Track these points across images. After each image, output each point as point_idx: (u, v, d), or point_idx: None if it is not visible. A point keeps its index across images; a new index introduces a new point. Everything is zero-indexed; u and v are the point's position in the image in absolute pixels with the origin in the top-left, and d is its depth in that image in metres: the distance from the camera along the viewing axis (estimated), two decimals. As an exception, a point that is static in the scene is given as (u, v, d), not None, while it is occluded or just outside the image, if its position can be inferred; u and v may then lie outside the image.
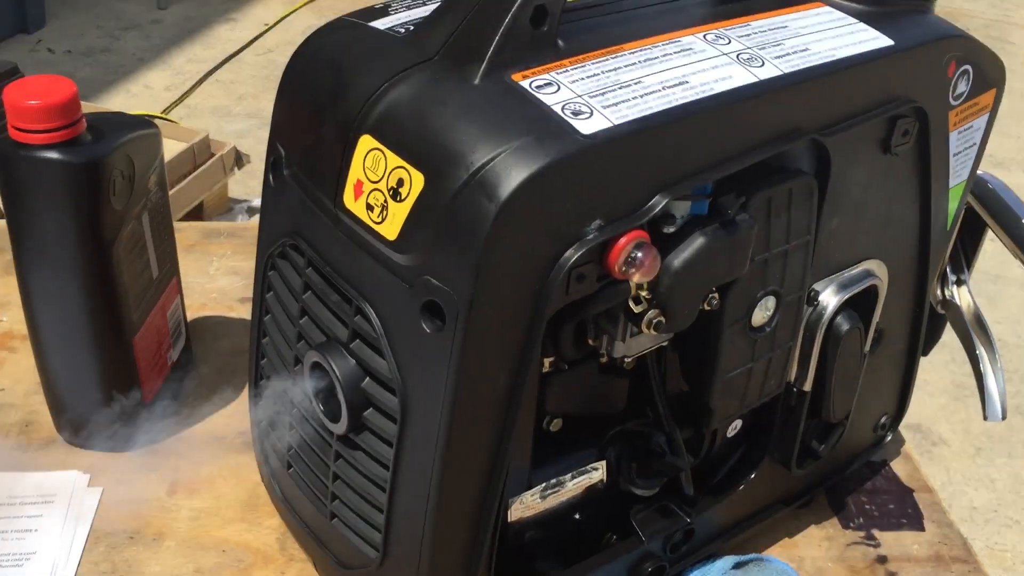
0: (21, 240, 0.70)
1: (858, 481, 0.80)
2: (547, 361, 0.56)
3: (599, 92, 0.50)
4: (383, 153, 0.50)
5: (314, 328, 0.57)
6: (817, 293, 0.63)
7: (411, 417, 0.52)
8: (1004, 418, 0.79)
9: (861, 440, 0.77)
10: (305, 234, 0.56)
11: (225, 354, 0.89)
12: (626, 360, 0.58)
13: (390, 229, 0.50)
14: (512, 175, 0.46)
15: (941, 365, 2.15)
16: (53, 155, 0.67)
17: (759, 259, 0.57)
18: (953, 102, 0.64)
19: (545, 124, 0.48)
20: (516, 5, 0.50)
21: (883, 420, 0.77)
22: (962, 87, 0.64)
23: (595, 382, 0.60)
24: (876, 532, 0.76)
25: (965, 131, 0.67)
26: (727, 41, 0.56)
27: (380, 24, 0.56)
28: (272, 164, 0.58)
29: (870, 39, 0.58)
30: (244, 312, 0.93)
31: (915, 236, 0.68)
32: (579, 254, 0.49)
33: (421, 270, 0.49)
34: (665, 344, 0.59)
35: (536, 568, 0.61)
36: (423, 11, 0.56)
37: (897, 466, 0.82)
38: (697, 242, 0.53)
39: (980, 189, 0.76)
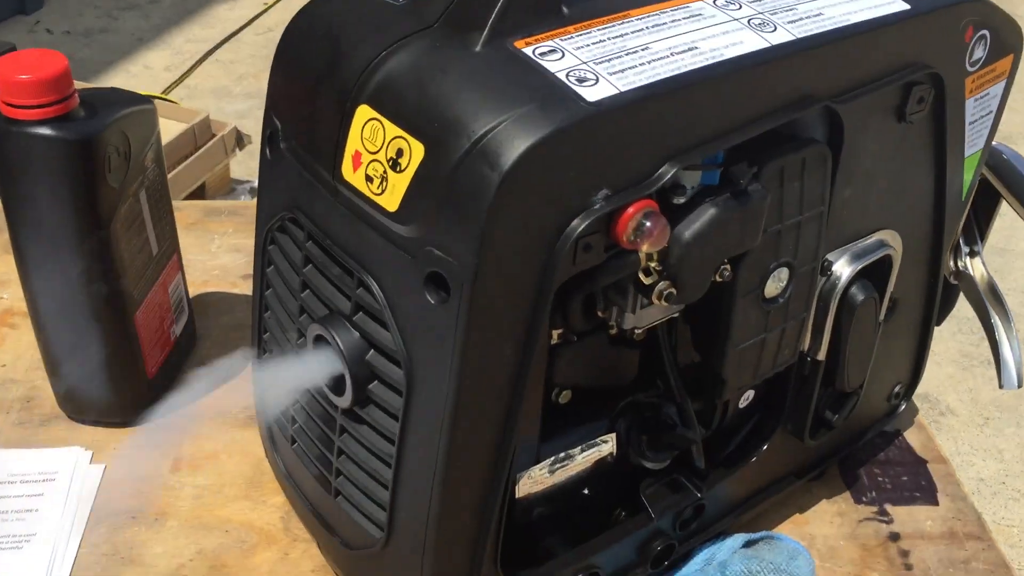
0: (16, 218, 0.69)
1: (871, 452, 0.79)
2: (555, 333, 0.55)
3: (605, 59, 0.49)
4: (381, 123, 0.48)
5: (316, 301, 0.56)
6: (831, 263, 0.62)
7: (417, 390, 0.51)
8: (1021, 386, 0.78)
9: (874, 410, 0.76)
10: (304, 207, 0.55)
11: (228, 329, 0.88)
12: (636, 332, 0.57)
13: (390, 200, 0.48)
14: (515, 143, 0.45)
15: (948, 335, 2.14)
16: (45, 131, 0.65)
17: (772, 230, 0.56)
18: (970, 68, 0.62)
19: (549, 91, 0.46)
20: (519, -32, 0.48)
21: (897, 389, 0.76)
22: (979, 53, 0.62)
23: (605, 354, 0.59)
24: (889, 507, 0.75)
25: (981, 98, 0.65)
26: (738, 6, 0.54)
27: (378, -10, 0.54)
28: (268, 137, 0.57)
29: (885, 3, 0.57)
30: (246, 288, 0.92)
31: (930, 206, 0.67)
32: (586, 224, 0.47)
33: (423, 241, 0.48)
34: (676, 315, 0.58)
35: (544, 546, 0.60)
36: (423, -23, 0.55)
37: (911, 436, 0.81)
38: (708, 213, 0.52)
39: (995, 160, 0.75)
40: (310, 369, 0.55)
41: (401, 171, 0.48)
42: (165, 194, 0.78)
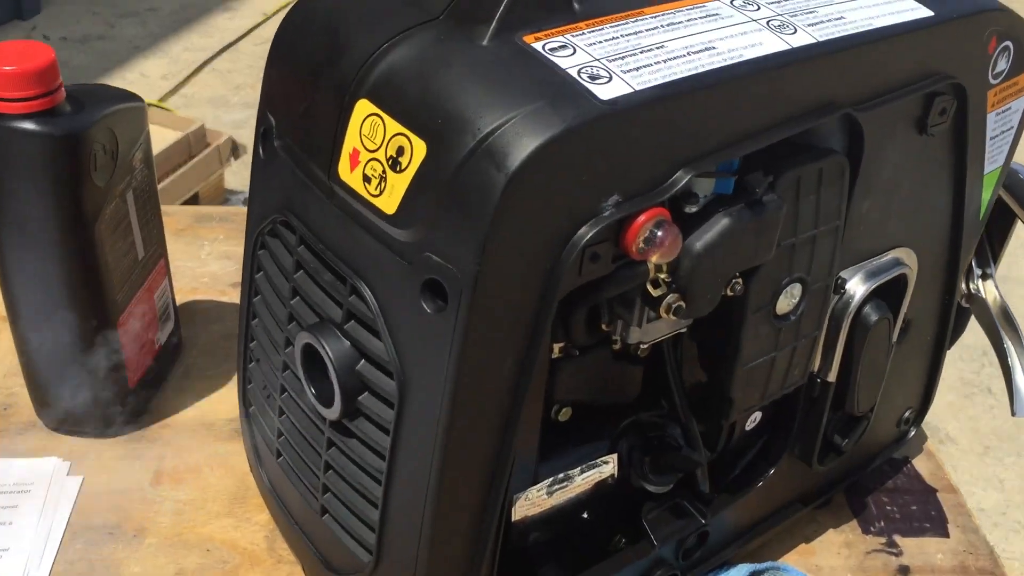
0: (-3, 215, 0.66)
1: (879, 479, 0.77)
2: (557, 346, 0.53)
3: (619, 56, 0.46)
4: (381, 119, 0.46)
5: (306, 309, 0.53)
6: (845, 281, 0.60)
7: (409, 402, 0.48)
8: None
9: (884, 435, 0.74)
10: (297, 210, 0.52)
11: (216, 338, 0.85)
12: (641, 347, 0.55)
13: (388, 202, 0.46)
14: (523, 143, 0.42)
15: (949, 362, 2.09)
16: (29, 125, 0.63)
17: (786, 243, 0.53)
18: (993, 80, 0.60)
19: (560, 88, 0.44)
20: (529, -39, 0.46)
21: (907, 414, 0.74)
22: (1002, 65, 0.60)
23: (608, 369, 0.57)
24: (898, 538, 0.72)
25: (1003, 113, 0.63)
26: (756, 7, 0.52)
27: (381, -17, 0.52)
28: (262, 135, 0.54)
29: (908, 9, 0.54)
30: (236, 297, 0.89)
31: (947, 224, 0.64)
32: (594, 231, 0.45)
33: (422, 246, 0.45)
34: (683, 331, 0.56)
35: (541, 573, 0.58)
36: (428, -30, 0.52)
37: (919, 464, 0.79)
38: (721, 223, 0.49)
39: (1011, 180, 0.73)
40: (296, 380, 0.52)
41: (401, 171, 0.45)
42: (153, 196, 0.75)
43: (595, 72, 0.45)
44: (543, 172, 0.43)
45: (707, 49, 0.48)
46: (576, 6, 0.49)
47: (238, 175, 2.41)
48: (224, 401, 0.78)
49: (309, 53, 0.50)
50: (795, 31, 0.51)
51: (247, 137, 2.44)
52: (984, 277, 0.77)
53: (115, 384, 0.73)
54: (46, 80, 0.63)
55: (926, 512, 0.75)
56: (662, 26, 0.49)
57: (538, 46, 0.46)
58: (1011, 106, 0.63)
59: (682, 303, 0.50)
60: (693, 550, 0.63)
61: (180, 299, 0.87)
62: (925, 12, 0.55)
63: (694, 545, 0.63)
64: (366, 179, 0.47)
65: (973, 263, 0.74)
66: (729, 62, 0.48)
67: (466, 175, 0.43)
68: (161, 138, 2.17)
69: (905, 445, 0.76)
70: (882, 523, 0.73)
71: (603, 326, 0.53)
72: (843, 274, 0.60)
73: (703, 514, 0.62)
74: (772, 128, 0.49)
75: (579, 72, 0.45)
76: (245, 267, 0.59)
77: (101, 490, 0.71)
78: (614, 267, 0.48)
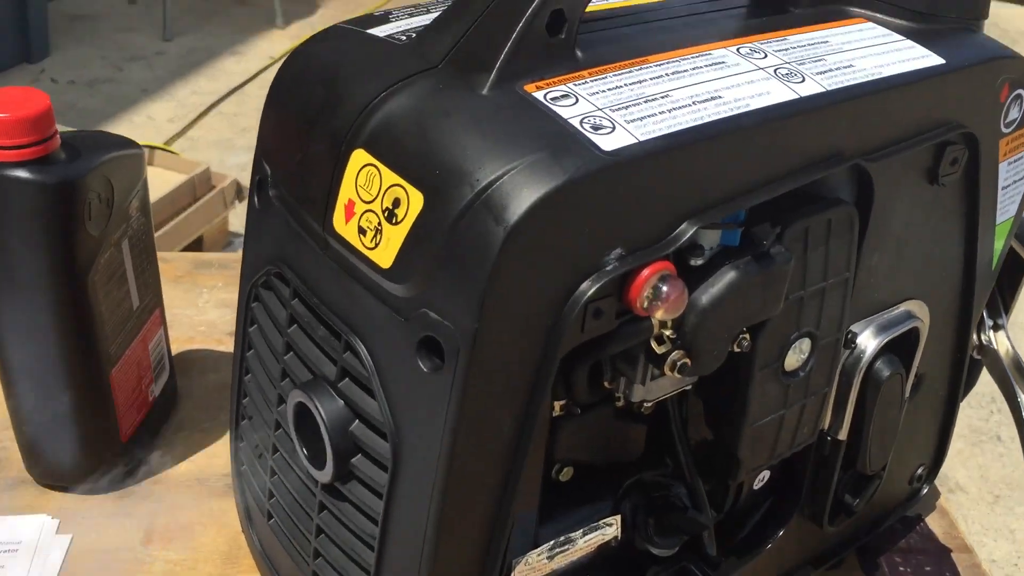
0: (-12, 265, 0.65)
1: (891, 538, 0.74)
2: (558, 404, 0.51)
3: (622, 105, 0.45)
4: (378, 169, 0.44)
5: (300, 365, 0.51)
6: (855, 335, 0.58)
7: (404, 466, 0.46)
8: None
9: (896, 494, 0.71)
10: (291, 261, 0.51)
11: (211, 390, 0.84)
12: (645, 405, 0.53)
13: (384, 255, 0.44)
14: (523, 195, 0.40)
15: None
16: (22, 174, 0.61)
17: (794, 297, 0.52)
18: (1005, 129, 0.59)
19: (561, 138, 0.42)
20: (531, 10, 0.45)
21: (920, 471, 0.72)
22: (1014, 113, 0.59)
23: (610, 428, 0.55)
24: (913, 599, 0.69)
25: (1015, 162, 0.61)
26: (763, 55, 0.51)
27: (379, 31, 0.51)
28: (257, 184, 0.53)
29: (919, 56, 0.53)
30: (233, 346, 0.88)
31: (959, 276, 0.63)
32: (597, 287, 0.43)
33: (418, 302, 0.43)
34: (688, 388, 0.54)
35: (542, 639, 0.55)
36: (428, 18, 0.51)
37: (933, 522, 0.77)
38: (728, 276, 0.48)
39: (1022, 229, 0.71)
40: (288, 440, 0.50)
41: (397, 223, 0.44)
42: (150, 244, 0.74)
43: (598, 122, 0.44)
44: (544, 225, 0.41)
45: (713, 98, 0.47)
46: (579, 54, 0.48)
47: (242, 217, 2.40)
48: (219, 455, 0.76)
49: (305, 101, 0.49)
50: (803, 80, 0.49)
51: (251, 181, 2.43)
52: (996, 328, 0.76)
53: (106, 439, 0.71)
54: (40, 127, 0.62)
55: (940, 573, 0.72)
56: (667, 75, 0.48)
57: (539, 95, 0.45)
58: (1023, 155, 0.62)
59: (687, 360, 0.48)
60: (701, 614, 0.61)
61: (176, 348, 0.86)
62: (936, 60, 0.54)
63: (701, 610, 0.61)
64: (361, 231, 0.45)
65: (984, 314, 0.73)
66: (736, 112, 0.46)
67: (464, 228, 0.41)
68: (166, 181, 2.17)
69: (918, 502, 0.74)
70: (896, 584, 0.71)
71: (605, 383, 0.51)
72: (853, 328, 0.58)
73: (710, 578, 0.60)
74: (780, 179, 0.48)
75: (581, 122, 0.43)
76: (239, 320, 0.57)
77: (90, 549, 0.68)
78: (617, 323, 0.46)
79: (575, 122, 0.43)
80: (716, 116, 0.46)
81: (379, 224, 0.44)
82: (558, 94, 0.45)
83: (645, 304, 0.44)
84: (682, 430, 0.57)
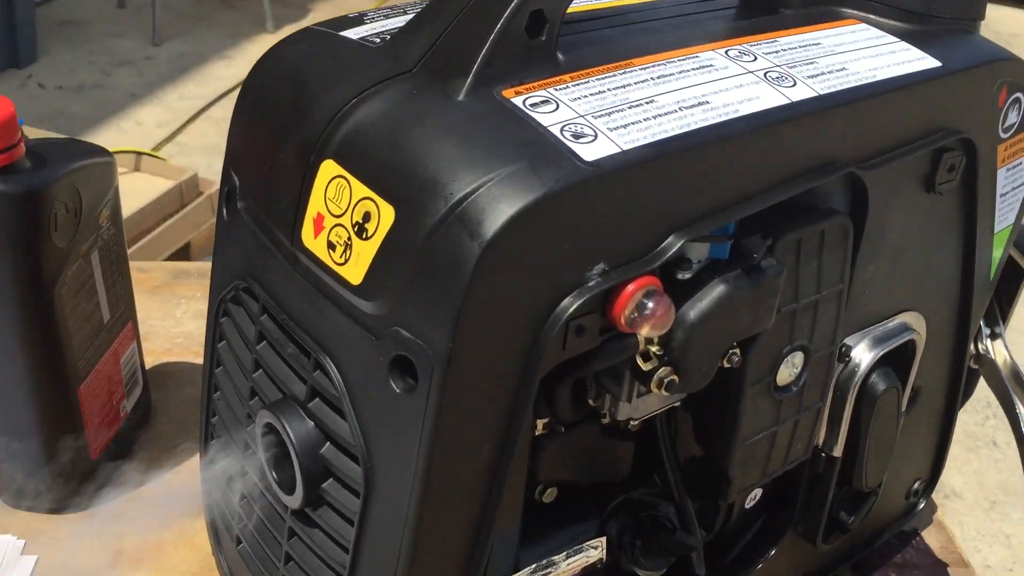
0: (-50, 278, 0.62)
1: (887, 553, 0.72)
2: (540, 423, 0.48)
3: (605, 112, 0.43)
4: (347, 181, 0.42)
5: (269, 384, 0.49)
6: (849, 348, 0.56)
7: (376, 490, 0.44)
8: None
9: (892, 509, 0.69)
10: (260, 276, 0.48)
11: (188, 404, 0.81)
12: (632, 423, 0.50)
13: (354, 272, 0.42)
14: (500, 209, 0.38)
15: (953, 416, 2.07)
16: (-16, 183, 0.59)
17: (786, 310, 0.49)
18: (1003, 135, 0.57)
19: (540, 148, 0.40)
20: (509, 10, 0.43)
21: (916, 486, 0.70)
22: (1013, 117, 0.57)
23: (595, 446, 0.53)
24: (909, 618, 0.68)
25: (1014, 168, 0.59)
26: (752, 58, 0.48)
27: (352, 34, 0.48)
28: (226, 195, 0.51)
29: (915, 59, 0.51)
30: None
31: (957, 286, 0.61)
32: (579, 303, 0.41)
33: (390, 320, 0.41)
34: (677, 404, 0.52)
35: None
36: (403, 20, 0.49)
37: (929, 536, 0.75)
38: (717, 291, 0.45)
39: (1022, 238, 0.69)
40: (257, 462, 0.48)
41: (368, 238, 0.41)
42: (122, 256, 0.72)
43: (579, 130, 0.41)
44: (521, 241, 0.39)
45: (700, 104, 0.44)
46: (560, 57, 0.46)
47: (229, 225, 2.37)
48: (193, 472, 0.74)
49: (274, 108, 0.47)
50: (794, 84, 0.47)
51: (239, 186, 2.41)
52: (993, 337, 0.74)
53: (75, 456, 0.69)
54: (4, 135, 0.60)
55: (938, 590, 0.70)
56: (652, 79, 0.46)
57: (518, 101, 0.42)
58: (1022, 161, 0.60)
59: (675, 377, 0.46)
60: (689, 639, 0.58)
61: (152, 361, 0.83)
62: (932, 63, 0.52)
63: (690, 634, 0.58)
64: (331, 246, 0.43)
65: (982, 323, 0.71)
66: (724, 118, 0.44)
67: (437, 244, 0.39)
68: (153, 187, 2.15)
69: (914, 517, 0.72)
70: (892, 602, 0.69)
71: (590, 401, 0.49)
72: (848, 341, 0.56)
73: (700, 600, 0.58)
74: (771, 189, 0.46)
75: (562, 130, 0.41)
76: (208, 335, 0.55)
77: (56, 570, 0.66)
78: (601, 340, 0.44)
79: (555, 130, 0.41)
80: (704, 123, 0.43)
81: (349, 239, 0.42)
82: (538, 100, 0.43)
83: (629, 321, 0.42)
84: (670, 448, 0.55)
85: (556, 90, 0.43)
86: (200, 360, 0.85)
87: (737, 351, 0.49)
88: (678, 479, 0.55)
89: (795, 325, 0.51)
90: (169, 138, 2.98)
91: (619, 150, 0.41)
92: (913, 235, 0.55)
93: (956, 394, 0.67)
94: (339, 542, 0.46)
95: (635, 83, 0.45)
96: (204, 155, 2.88)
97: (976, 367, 0.73)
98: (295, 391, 0.47)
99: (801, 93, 0.47)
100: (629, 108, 0.43)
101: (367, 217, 0.41)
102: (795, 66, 0.48)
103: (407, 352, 0.41)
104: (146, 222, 2.02)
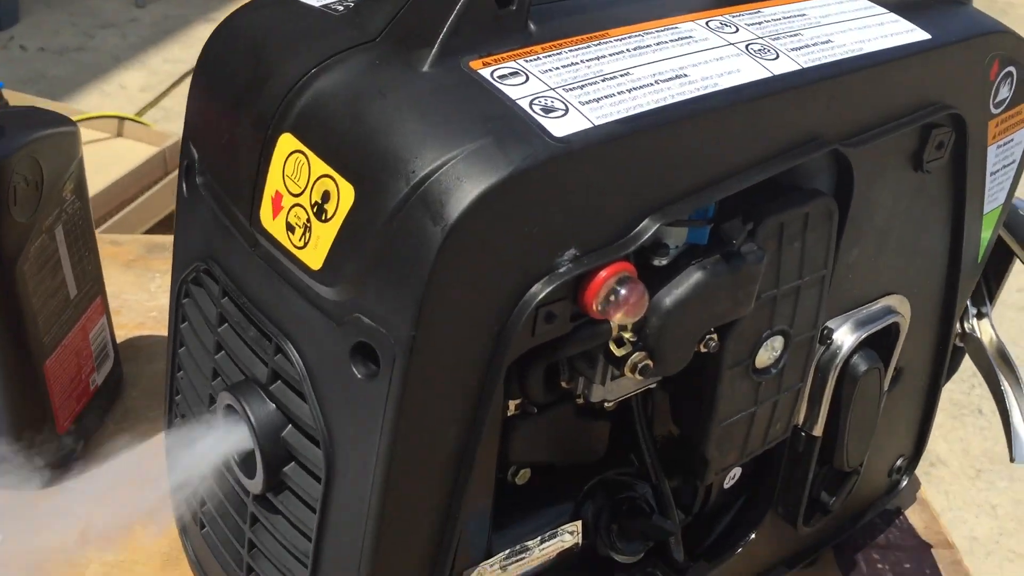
0: (-94, 253, 0.60)
1: (870, 533, 0.71)
2: (512, 404, 0.47)
3: (577, 85, 0.41)
4: (306, 157, 0.40)
5: (231, 365, 0.47)
6: (831, 331, 0.54)
7: (338, 476, 0.43)
8: None
9: (874, 487, 0.68)
10: (220, 257, 0.46)
11: (159, 377, 0.79)
12: (607, 404, 0.49)
13: (314, 256, 0.40)
14: (463, 189, 0.36)
15: (938, 385, 2.06)
16: (-64, 155, 0.57)
17: (767, 296, 0.48)
18: (994, 110, 0.55)
19: (508, 123, 0.38)
20: (477, -23, 0.40)
21: (899, 463, 0.69)
22: (1004, 92, 0.55)
23: (569, 427, 0.51)
24: (890, 600, 0.67)
25: (1005, 145, 0.58)
26: (734, 29, 0.46)
27: (315, 0, 0.46)
28: (185, 170, 0.48)
29: (903, 31, 0.49)
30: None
31: (943, 268, 0.59)
32: (548, 290, 0.39)
33: (351, 306, 0.39)
34: (653, 385, 0.50)
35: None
36: (369, -13, 0.47)
37: (912, 515, 0.74)
38: (694, 277, 0.44)
39: (1012, 219, 0.68)
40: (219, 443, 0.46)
41: (327, 220, 0.40)
42: (88, 230, 0.69)
43: (549, 104, 0.39)
44: (487, 223, 0.37)
45: (678, 77, 0.42)
46: (531, 27, 0.43)
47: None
48: (162, 450, 0.72)
49: (231, 78, 0.45)
50: (777, 56, 0.45)
51: (223, 151, 2.38)
52: (979, 316, 0.72)
53: (40, 432, 0.67)
54: (-46, 106, 0.58)
55: (920, 571, 0.69)
56: (628, 50, 0.43)
57: (485, 73, 0.40)
58: (1013, 138, 0.58)
59: (649, 362, 0.45)
60: (666, 624, 0.57)
61: (125, 335, 0.82)
62: (922, 35, 0.50)
63: (667, 618, 0.57)
64: (290, 228, 0.41)
65: (968, 303, 0.69)
66: (703, 92, 0.42)
67: (398, 228, 0.37)
68: (136, 154, 2.11)
69: (897, 495, 0.71)
70: (873, 584, 0.68)
71: (563, 383, 0.47)
72: (830, 324, 0.54)
73: (677, 585, 0.57)
74: (751, 168, 0.44)
75: (531, 104, 0.39)
76: (171, 315, 0.53)
77: (20, 549, 0.64)
78: (573, 326, 0.42)
79: (524, 104, 0.39)
80: (681, 97, 0.41)
81: (308, 221, 0.40)
82: (506, 71, 0.41)
83: (601, 308, 0.41)
84: (647, 429, 0.53)
85: (526, 61, 0.41)
86: (172, 334, 0.84)
87: (714, 336, 0.47)
88: (655, 460, 0.54)
89: (776, 311, 0.49)
90: (153, 103, 2.93)
91: (591, 125, 0.39)
92: (899, 216, 0.54)
93: (940, 372, 0.66)
94: (301, 530, 0.45)
95: (610, 55, 0.43)
96: (189, 119, 2.84)
97: (961, 345, 0.71)
98: (257, 373, 0.45)
99: (784, 66, 0.45)
100: (603, 81, 0.41)
101: (326, 197, 0.39)
102: (778, 38, 0.46)
103: (368, 339, 0.39)
104: (127, 191, 1.98)
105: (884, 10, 0.51)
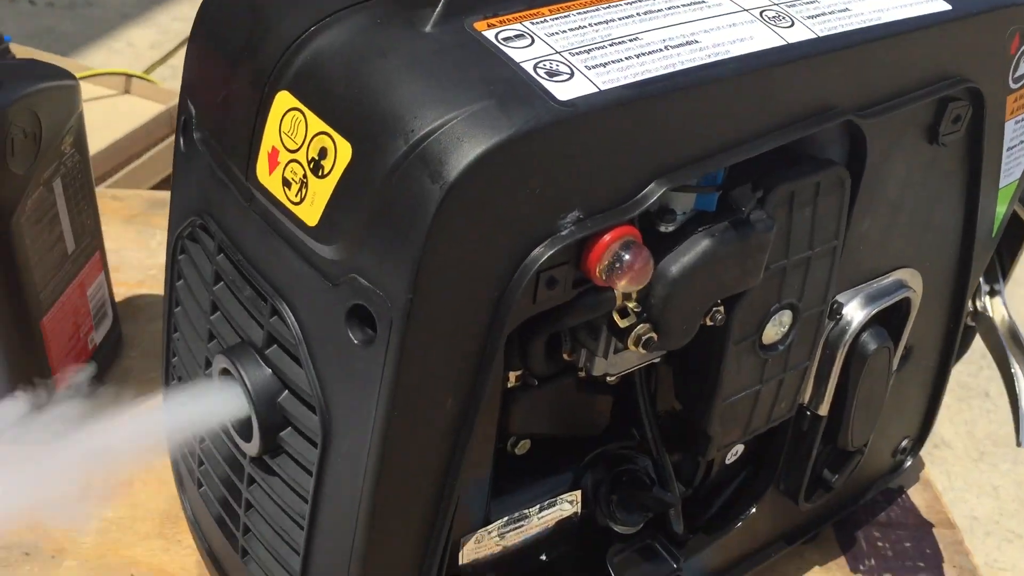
0: (-99, 205, 0.60)
1: (871, 512, 0.71)
2: (513, 375, 0.46)
3: (583, 49, 0.40)
4: (303, 114, 0.39)
5: (227, 327, 0.47)
6: (841, 306, 0.54)
7: (334, 441, 0.42)
8: None
9: (878, 466, 0.68)
10: (215, 213, 0.46)
11: (158, 337, 0.78)
12: (609, 377, 0.48)
13: (310, 212, 0.39)
14: (464, 148, 0.35)
15: (946, 366, 2.06)
16: (-68, 105, 0.56)
17: (775, 267, 0.47)
18: (1013, 85, 0.53)
19: (511, 85, 0.37)
20: (484, -66, 0.39)
21: (904, 444, 0.68)
22: (1024, 67, 0.53)
23: (571, 399, 0.50)
24: (889, 578, 0.66)
25: (1023, 121, 0.56)
26: (748, -7, 0.45)
27: (317, -44, 0.45)
28: (182, 125, 0.48)
29: (922, 1, 0.48)
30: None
31: (957, 243, 0.58)
32: (550, 253, 0.38)
33: (347, 266, 0.38)
34: (656, 360, 0.49)
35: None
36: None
37: (915, 495, 0.73)
38: (701, 245, 0.43)
39: (1025, 191, 0.67)
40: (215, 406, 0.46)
41: (324, 176, 0.39)
42: (87, 184, 0.69)
43: (554, 67, 0.38)
44: (487, 184, 0.36)
45: (688, 43, 0.41)
46: (539, -12, 0.42)
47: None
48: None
49: (229, 34, 0.44)
50: (792, 24, 0.44)
51: (232, 112, 2.36)
52: (992, 294, 0.71)
53: (39, 388, 0.66)
54: (-46, 56, 0.57)
55: (920, 549, 0.69)
56: (638, 14, 0.42)
57: (490, 34, 0.39)
58: (1031, 113, 0.57)
59: (653, 335, 0.44)
60: (663, 597, 0.57)
61: (125, 292, 0.81)
62: (941, 5, 0.49)
63: (664, 592, 0.57)
64: (286, 183, 0.40)
65: (981, 280, 0.68)
66: (713, 59, 0.41)
67: (396, 185, 0.36)
68: (143, 111, 2.09)
69: (901, 475, 0.70)
70: (872, 561, 0.67)
71: (565, 355, 0.47)
72: (839, 298, 0.53)
73: (675, 557, 0.56)
74: (762, 135, 0.43)
75: (535, 67, 0.38)
76: (167, 273, 0.52)
77: (19, 504, 0.64)
78: (575, 293, 0.41)
79: (528, 67, 0.38)
80: (691, 63, 0.40)
81: (304, 176, 0.39)
82: (511, 34, 0.39)
83: (604, 274, 0.40)
84: (649, 404, 0.52)
85: (532, 24, 0.40)
86: (173, 293, 0.83)
87: (721, 309, 0.46)
88: (656, 434, 0.53)
89: (784, 283, 0.48)
90: (161, 60, 2.91)
91: (597, 89, 0.38)
92: (913, 188, 0.53)
93: (951, 353, 0.65)
94: (298, 492, 0.44)
95: (619, 19, 0.42)
96: (199, 78, 2.83)
97: (972, 324, 0.70)
98: (252, 336, 0.45)
99: (799, 34, 0.43)
100: (611, 45, 0.40)
101: (323, 153, 0.38)
102: (794, 5, 0.45)
103: (365, 302, 0.38)
104: (133, 148, 1.97)
105: (904, -23, 0.50)
